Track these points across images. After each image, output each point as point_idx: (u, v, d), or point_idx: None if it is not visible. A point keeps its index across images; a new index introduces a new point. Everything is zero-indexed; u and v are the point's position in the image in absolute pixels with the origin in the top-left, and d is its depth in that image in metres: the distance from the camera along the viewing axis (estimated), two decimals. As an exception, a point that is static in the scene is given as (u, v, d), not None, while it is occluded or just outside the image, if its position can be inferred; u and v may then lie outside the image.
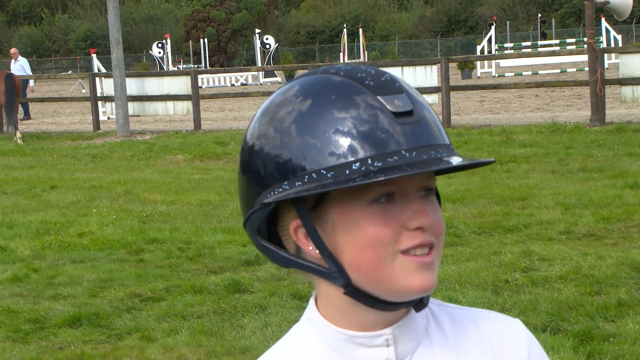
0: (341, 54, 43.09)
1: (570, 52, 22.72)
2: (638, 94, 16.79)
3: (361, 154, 1.16)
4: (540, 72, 32.78)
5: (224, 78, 38.40)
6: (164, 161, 16.06)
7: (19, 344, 6.04)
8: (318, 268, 1.22)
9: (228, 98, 26.23)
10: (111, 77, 21.37)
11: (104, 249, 8.70)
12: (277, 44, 47.74)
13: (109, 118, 23.20)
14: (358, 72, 1.22)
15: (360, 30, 44.74)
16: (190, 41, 56.07)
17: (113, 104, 21.22)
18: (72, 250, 8.70)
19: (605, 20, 37.34)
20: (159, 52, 42.66)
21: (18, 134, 20.13)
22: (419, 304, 1.24)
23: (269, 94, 21.69)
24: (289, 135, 1.19)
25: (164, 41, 43.37)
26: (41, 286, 7.38)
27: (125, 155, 16.98)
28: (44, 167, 15.88)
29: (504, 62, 36.41)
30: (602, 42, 34.40)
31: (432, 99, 18.54)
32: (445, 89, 18.32)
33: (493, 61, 34.05)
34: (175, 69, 43.23)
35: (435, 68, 19.06)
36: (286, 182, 1.19)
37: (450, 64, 21.73)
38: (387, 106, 1.18)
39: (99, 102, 22.52)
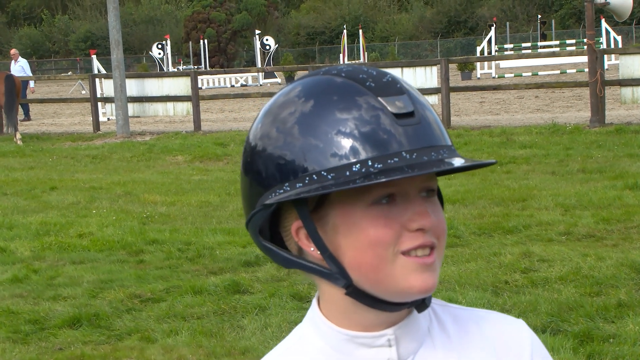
0: (341, 55, 43.12)
1: (570, 53, 22.72)
2: (638, 95, 16.79)
3: (362, 155, 1.16)
4: (540, 73, 32.79)
5: (224, 79, 38.40)
6: (164, 162, 16.06)
7: (19, 345, 6.04)
8: (319, 269, 1.23)
9: (228, 99, 26.23)
10: (111, 78, 21.38)
11: (104, 250, 8.70)
12: (277, 45, 47.75)
13: (108, 119, 23.20)
14: (359, 73, 1.22)
15: (360, 31, 44.77)
16: (190, 42, 56.09)
17: (113, 105, 21.23)
18: (72, 251, 8.70)
19: (605, 21, 37.36)
20: (159, 53, 42.67)
21: (18, 135, 20.13)
22: (421, 305, 1.24)
23: (269, 95, 21.54)
24: (291, 136, 1.20)
25: (164, 42, 43.38)
26: (41, 287, 7.38)
27: (125, 156, 16.98)
28: (44, 168, 15.88)
29: (503, 63, 36.44)
30: (602, 43, 34.41)
31: (432, 100, 18.54)
32: (445, 90, 18.32)
33: (493, 62, 34.06)
34: (175, 70, 43.24)
35: (435, 69, 19.06)
36: (287, 184, 1.19)
37: (450, 65, 21.75)
38: (388, 107, 1.18)
39: (99, 103, 22.53)
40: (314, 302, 1.30)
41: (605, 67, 17.81)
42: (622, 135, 14.96)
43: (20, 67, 27.87)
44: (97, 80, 22.71)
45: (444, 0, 70.19)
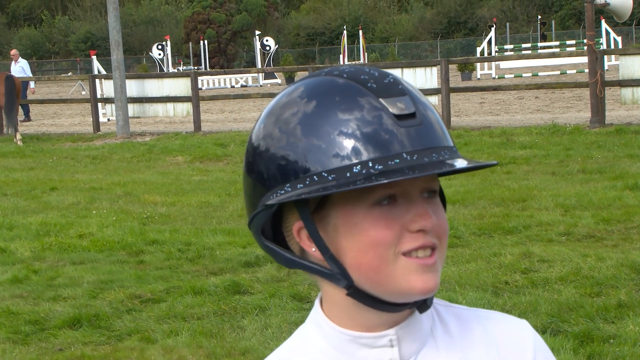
0: (341, 56, 43.12)
1: (570, 54, 22.72)
2: (638, 95, 16.79)
3: (363, 156, 1.16)
4: (540, 73, 32.78)
5: (224, 80, 38.39)
6: (164, 163, 16.06)
7: (19, 346, 6.04)
8: (321, 269, 1.23)
9: (228, 100, 26.22)
10: (111, 78, 21.38)
11: (104, 250, 8.70)
12: (277, 46, 47.74)
13: (109, 120, 23.21)
14: (361, 74, 1.22)
15: (360, 31, 44.76)
16: (190, 43, 56.09)
17: (113, 105, 21.23)
18: (72, 252, 8.70)
19: (605, 22, 37.36)
20: (159, 54, 42.67)
21: (18, 136, 20.13)
22: (423, 305, 1.24)
23: (269, 95, 21.49)
24: (294, 136, 1.20)
25: (164, 43, 43.38)
26: (41, 287, 7.38)
27: (125, 156, 16.98)
28: (44, 169, 15.89)
29: (504, 64, 36.42)
30: (602, 43, 34.41)
31: (432, 100, 18.54)
32: (445, 90, 18.33)
33: (493, 63, 34.06)
34: (175, 70, 43.24)
35: (435, 70, 19.06)
36: (288, 184, 1.20)
37: (450, 66, 21.75)
38: (389, 108, 1.18)
39: (99, 104, 22.53)
40: (317, 302, 1.30)
41: (606, 67, 17.81)
42: (622, 135, 14.96)
43: (20, 68, 27.88)
44: (97, 80, 22.72)
45: (444, 1, 70.20)
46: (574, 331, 5.51)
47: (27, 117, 27.63)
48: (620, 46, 36.97)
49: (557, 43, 42.33)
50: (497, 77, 33.25)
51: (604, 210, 9.14)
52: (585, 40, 17.44)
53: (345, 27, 48.62)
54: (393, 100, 1.19)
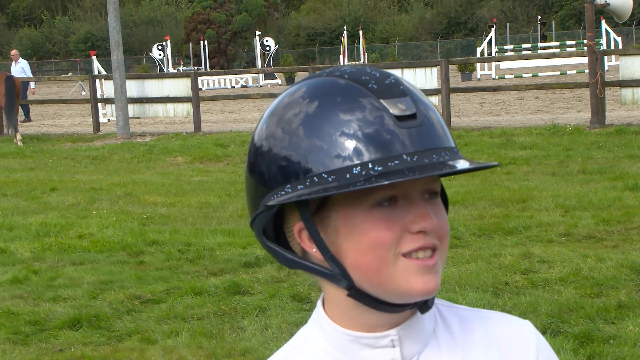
0: (341, 56, 43.14)
1: (570, 54, 22.71)
2: (638, 96, 16.79)
3: (363, 157, 1.16)
4: (540, 74, 32.78)
5: (224, 80, 38.39)
6: (164, 163, 16.06)
7: (19, 346, 6.04)
8: (322, 270, 1.23)
9: (228, 100, 26.22)
10: (111, 79, 21.39)
11: (104, 251, 8.70)
12: (277, 46, 47.74)
13: (109, 120, 23.21)
14: (362, 75, 1.22)
15: (360, 32, 44.78)
16: (191, 43, 56.10)
17: (113, 106, 21.24)
18: (72, 252, 8.70)
19: (605, 22, 37.36)
20: (159, 54, 42.68)
21: (18, 136, 20.14)
22: (424, 306, 1.24)
23: (269, 96, 21.49)
24: (296, 136, 1.20)
25: (164, 43, 43.39)
26: (41, 288, 7.38)
27: (125, 157, 16.98)
28: (44, 169, 15.89)
29: (504, 64, 36.41)
30: (602, 44, 34.41)
31: (432, 101, 18.43)
32: (445, 91, 18.33)
33: (493, 63, 34.06)
34: (176, 71, 43.24)
35: (435, 70, 19.06)
36: (289, 185, 1.20)
37: (450, 66, 21.75)
38: (390, 110, 1.18)
39: (99, 104, 22.53)
40: (319, 303, 1.31)
41: (606, 68, 17.81)
42: (622, 136, 14.96)
43: (20, 68, 27.89)
44: (97, 81, 22.72)
45: (444, 1, 70.21)
46: (574, 332, 5.51)
47: (27, 118, 27.64)
48: (620, 46, 36.98)
49: (557, 43, 42.33)
50: (497, 77, 33.25)
51: (604, 210, 9.14)
52: (585, 41, 17.44)
53: (345, 27, 48.62)
54: (394, 101, 1.19)
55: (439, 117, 1.23)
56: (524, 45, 42.47)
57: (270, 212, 1.23)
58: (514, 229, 8.54)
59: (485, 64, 35.18)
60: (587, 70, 18.37)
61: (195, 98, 20.49)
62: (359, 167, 1.16)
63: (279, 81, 39.91)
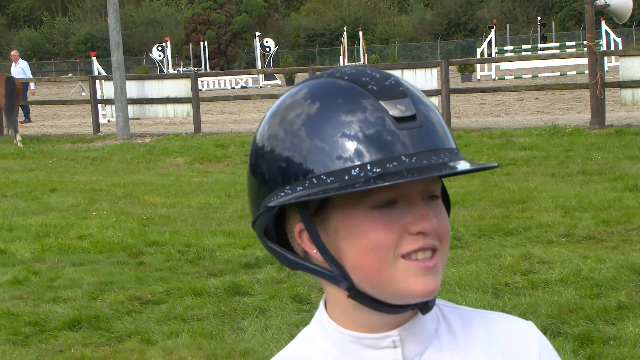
0: (341, 57, 43.14)
1: (570, 55, 22.74)
2: (638, 96, 16.79)
3: (363, 158, 1.16)
4: (540, 75, 32.79)
5: (224, 81, 38.40)
6: (164, 164, 16.06)
7: (19, 347, 6.04)
8: (322, 271, 1.23)
9: (228, 101, 26.21)
10: (111, 79, 21.39)
11: (104, 251, 8.70)
12: (277, 47, 47.73)
13: (109, 121, 23.21)
14: (362, 76, 1.22)
15: (360, 33, 44.76)
16: (191, 44, 56.10)
17: (113, 106, 21.24)
18: (72, 253, 8.70)
19: (605, 23, 37.37)
20: (159, 55, 42.68)
21: (18, 137, 20.14)
22: (425, 307, 1.24)
23: (269, 96, 21.45)
24: (298, 137, 1.20)
25: (164, 44, 43.39)
26: (41, 289, 7.38)
27: (125, 158, 16.98)
28: (44, 170, 15.89)
29: (504, 65, 36.42)
30: (602, 45, 34.42)
31: (432, 101, 18.51)
32: (445, 91, 18.33)
33: (493, 64, 34.07)
34: (176, 71, 43.24)
35: (435, 71, 19.06)
36: (289, 186, 1.20)
37: (450, 67, 21.75)
38: (390, 111, 1.18)
39: (99, 105, 22.54)
40: (321, 304, 1.31)
41: (606, 69, 17.80)
42: (622, 137, 14.96)
43: (20, 69, 27.89)
44: (97, 82, 22.72)
45: (444, 2, 70.22)
46: (574, 333, 5.51)
47: (27, 118, 27.65)
48: (620, 47, 36.97)
49: (557, 44, 42.34)
50: (497, 78, 33.25)
51: (604, 211, 9.14)
52: (585, 42, 17.44)
53: (345, 28, 48.63)
54: (394, 102, 1.19)
55: (439, 118, 1.23)
56: (523, 46, 42.44)
57: (271, 213, 1.23)
58: (513, 230, 8.54)
59: (485, 64, 35.20)
60: (587, 71, 18.36)
61: (195, 99, 20.49)
62: (358, 169, 1.16)
63: (279, 82, 39.91)
